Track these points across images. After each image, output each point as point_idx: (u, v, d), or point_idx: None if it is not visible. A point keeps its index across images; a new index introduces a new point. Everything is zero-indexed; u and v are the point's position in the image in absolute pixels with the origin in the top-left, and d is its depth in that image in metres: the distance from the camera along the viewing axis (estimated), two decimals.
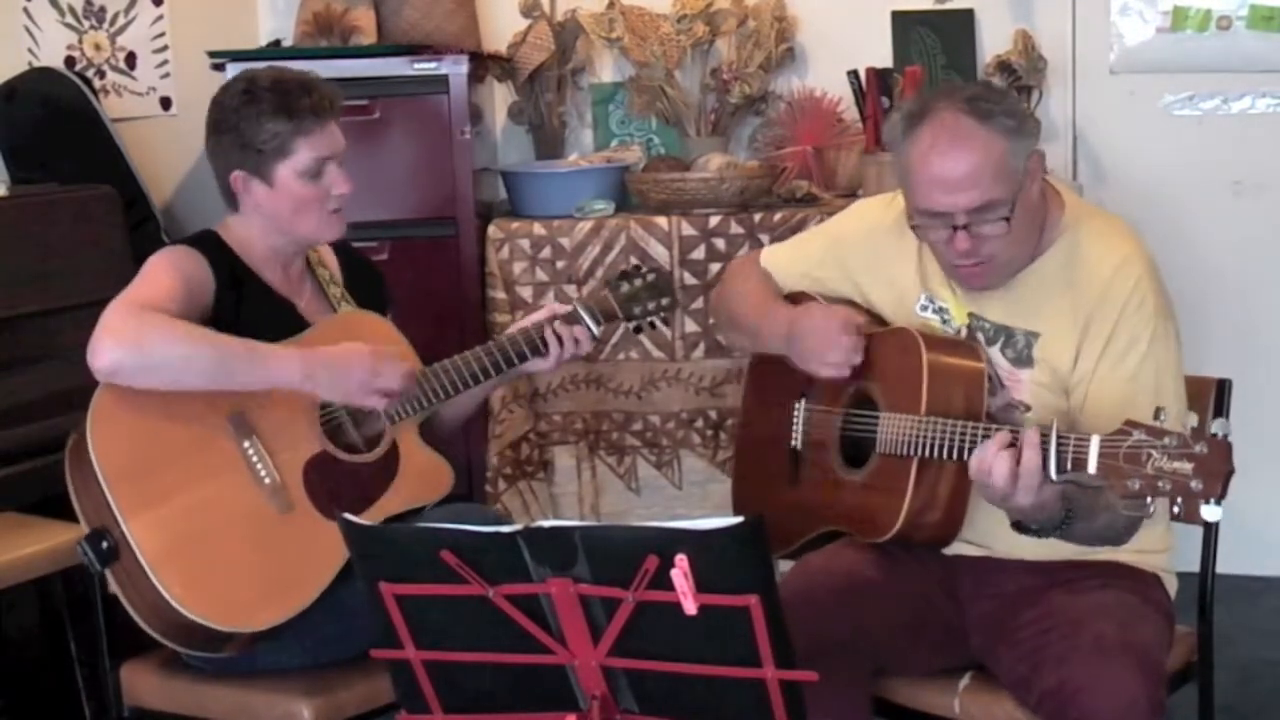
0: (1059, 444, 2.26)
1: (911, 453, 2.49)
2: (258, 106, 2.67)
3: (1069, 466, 2.26)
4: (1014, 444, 2.29)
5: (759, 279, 2.86)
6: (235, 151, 2.69)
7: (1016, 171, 2.44)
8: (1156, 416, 2.20)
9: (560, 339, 2.83)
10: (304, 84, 2.70)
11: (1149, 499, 2.19)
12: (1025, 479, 2.28)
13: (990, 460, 2.30)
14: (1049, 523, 2.39)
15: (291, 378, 2.58)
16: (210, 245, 2.72)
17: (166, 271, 2.62)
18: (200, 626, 2.50)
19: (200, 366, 2.52)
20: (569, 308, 2.89)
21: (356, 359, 2.63)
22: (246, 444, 2.59)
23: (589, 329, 2.88)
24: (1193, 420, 2.20)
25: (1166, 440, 2.17)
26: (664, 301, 3.00)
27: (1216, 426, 2.18)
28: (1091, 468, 2.23)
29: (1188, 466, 2.15)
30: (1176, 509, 2.18)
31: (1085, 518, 2.41)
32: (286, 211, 2.70)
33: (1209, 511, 2.15)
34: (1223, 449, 2.15)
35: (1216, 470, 2.14)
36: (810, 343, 2.66)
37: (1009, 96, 2.57)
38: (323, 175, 2.70)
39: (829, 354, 2.63)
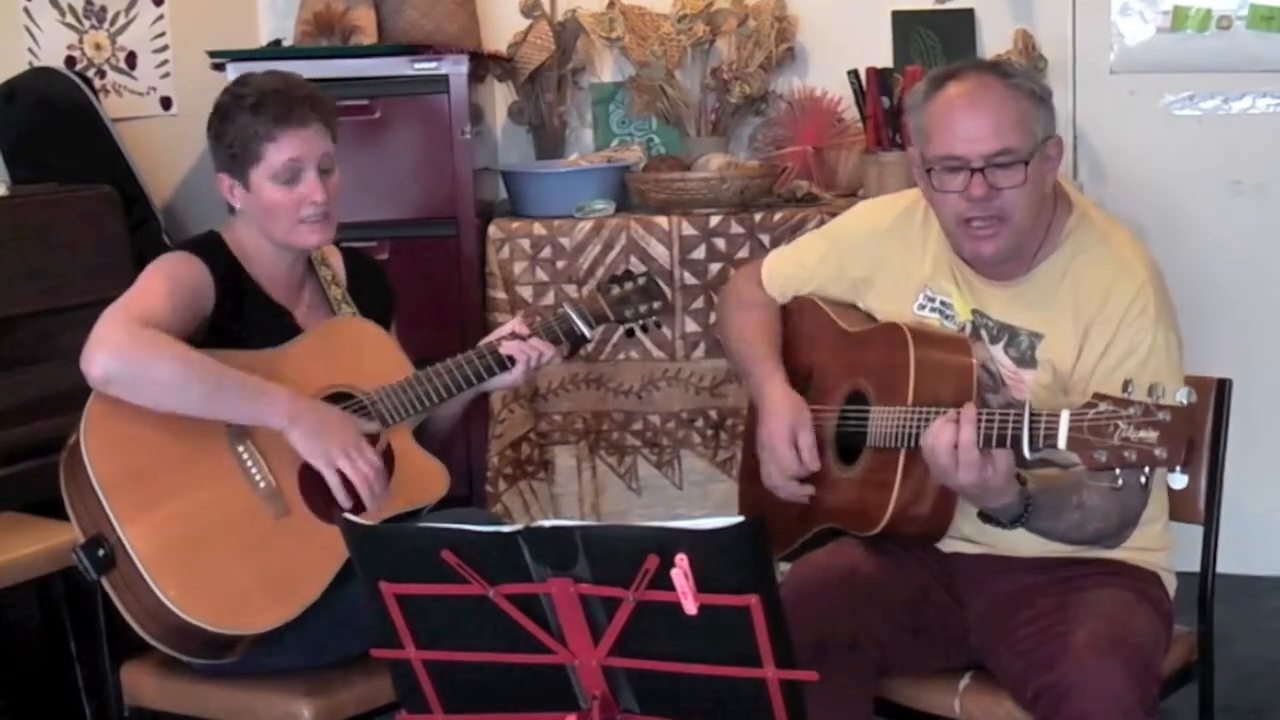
0: (1031, 421, 2.28)
1: (899, 445, 2.50)
2: (236, 109, 2.66)
3: (1040, 443, 2.28)
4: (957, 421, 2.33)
5: (757, 308, 2.85)
6: (218, 153, 2.70)
7: (1035, 135, 2.49)
8: (1125, 389, 2.21)
9: (524, 353, 2.81)
10: (284, 88, 2.68)
11: (1116, 470, 2.21)
12: (963, 454, 2.31)
13: (932, 434, 2.34)
14: (1006, 512, 2.41)
15: (276, 420, 2.56)
16: (213, 249, 2.71)
17: (166, 280, 2.61)
18: (198, 630, 2.49)
19: (190, 396, 2.52)
20: (525, 328, 2.86)
21: (340, 429, 2.60)
22: (241, 449, 2.59)
23: (561, 338, 2.87)
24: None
25: (1131, 410, 2.18)
26: (655, 305, 3.02)
27: (1181, 394, 2.18)
28: (1061, 442, 2.24)
29: (1153, 435, 2.16)
30: (1143, 478, 2.19)
31: (1049, 516, 2.43)
32: (262, 216, 2.69)
33: (1174, 480, 2.16)
34: (1185, 415, 2.15)
35: (1179, 436, 2.14)
36: (765, 449, 2.70)
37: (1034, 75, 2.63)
38: (298, 181, 2.67)
39: (773, 469, 2.69)
